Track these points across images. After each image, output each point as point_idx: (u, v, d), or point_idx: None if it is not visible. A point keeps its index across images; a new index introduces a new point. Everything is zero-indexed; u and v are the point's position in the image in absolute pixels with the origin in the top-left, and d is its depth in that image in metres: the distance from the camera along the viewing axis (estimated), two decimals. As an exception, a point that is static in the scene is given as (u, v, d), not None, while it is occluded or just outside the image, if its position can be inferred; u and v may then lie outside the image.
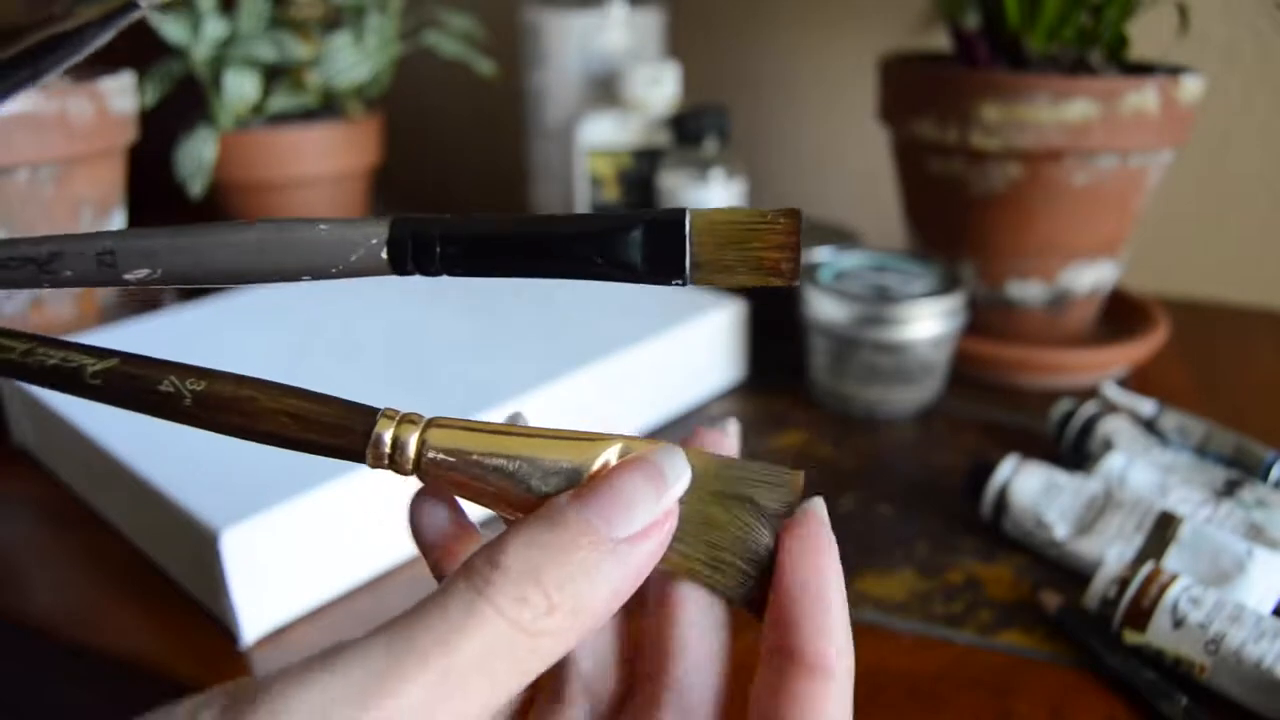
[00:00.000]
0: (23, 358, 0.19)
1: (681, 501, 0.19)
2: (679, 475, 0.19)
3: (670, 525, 0.18)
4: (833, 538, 0.20)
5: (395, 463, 0.19)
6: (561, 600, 0.16)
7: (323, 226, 0.19)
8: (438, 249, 0.19)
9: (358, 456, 0.18)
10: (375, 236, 0.19)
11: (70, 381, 0.19)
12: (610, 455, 0.19)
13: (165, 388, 0.19)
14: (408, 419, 0.19)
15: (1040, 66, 0.54)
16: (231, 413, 0.19)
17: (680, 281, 0.19)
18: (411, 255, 0.19)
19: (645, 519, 0.18)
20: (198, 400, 0.19)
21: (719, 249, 0.19)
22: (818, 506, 0.20)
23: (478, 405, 0.42)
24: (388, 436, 0.18)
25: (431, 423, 0.19)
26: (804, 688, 0.19)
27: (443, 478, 0.19)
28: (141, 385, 0.19)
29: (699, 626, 0.21)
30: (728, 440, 0.24)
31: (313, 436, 0.19)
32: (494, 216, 0.19)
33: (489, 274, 0.19)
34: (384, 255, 0.19)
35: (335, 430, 0.19)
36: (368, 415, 0.19)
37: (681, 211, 0.19)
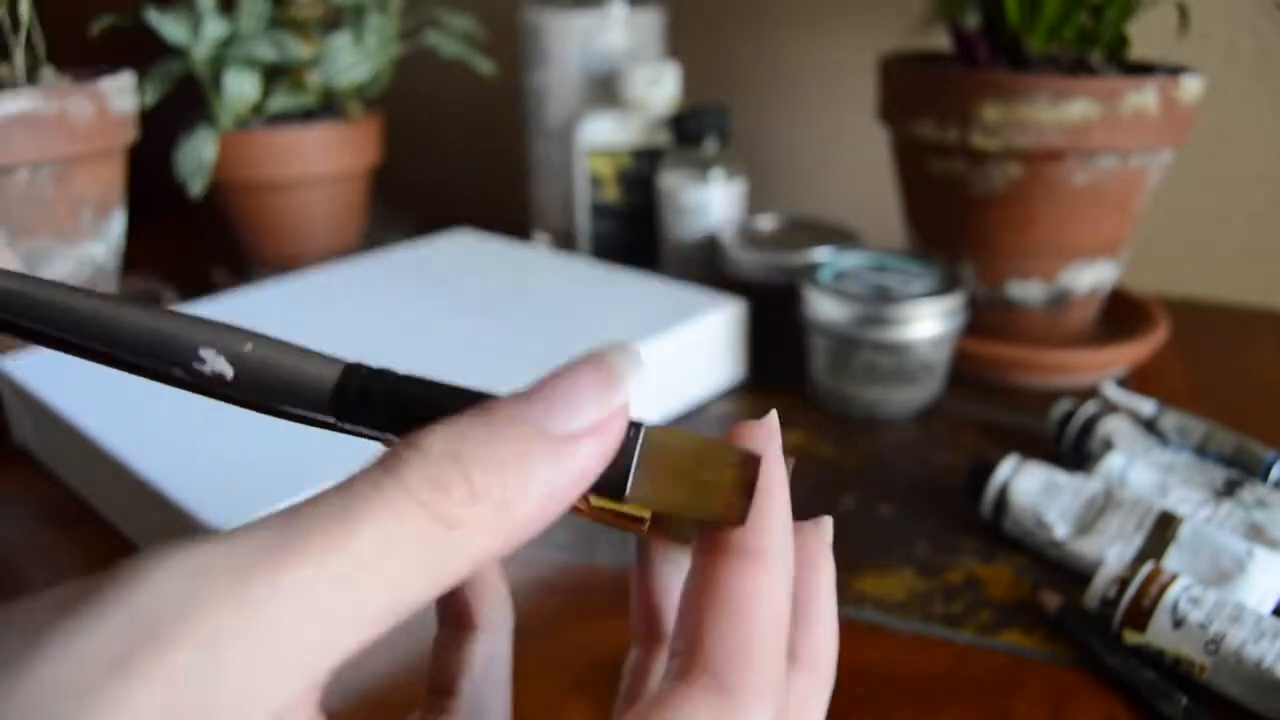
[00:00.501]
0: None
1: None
2: (630, 370, 0.17)
3: (619, 428, 0.16)
4: (780, 455, 0.18)
5: None
6: (486, 487, 0.14)
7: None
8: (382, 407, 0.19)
9: None
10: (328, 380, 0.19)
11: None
12: None
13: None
14: None
15: (1040, 66, 0.54)
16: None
17: (618, 499, 0.18)
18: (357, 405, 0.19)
19: (591, 416, 0.16)
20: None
21: (667, 475, 0.18)
22: (770, 419, 0.19)
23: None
24: None
25: None
26: (735, 569, 0.17)
27: None
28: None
29: (493, 654, 0.22)
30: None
31: None
32: (451, 388, 0.19)
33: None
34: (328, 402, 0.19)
35: None
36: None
37: (636, 427, 0.18)
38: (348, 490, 0.14)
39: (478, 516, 0.14)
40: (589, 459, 0.16)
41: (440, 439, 0.14)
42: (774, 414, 0.19)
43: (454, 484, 0.14)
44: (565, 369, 0.16)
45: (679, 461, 0.18)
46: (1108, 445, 0.44)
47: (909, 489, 0.45)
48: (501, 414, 0.15)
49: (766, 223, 0.64)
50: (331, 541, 0.13)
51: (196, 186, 0.62)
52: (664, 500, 0.18)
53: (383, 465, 0.14)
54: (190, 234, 0.83)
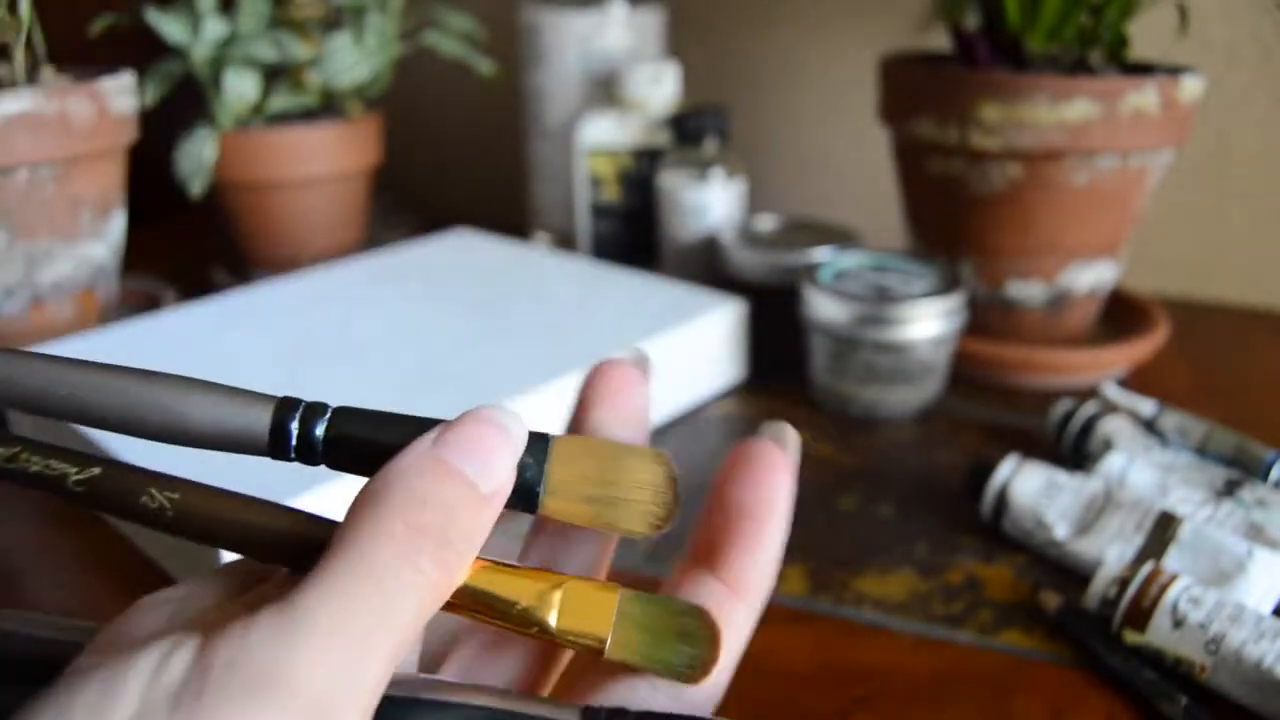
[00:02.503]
0: (6, 464, 0.20)
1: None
2: (522, 435, 0.20)
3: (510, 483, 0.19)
4: (787, 461, 0.21)
5: None
6: (458, 558, 0.17)
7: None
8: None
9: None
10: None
11: (54, 488, 0.20)
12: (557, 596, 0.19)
13: (146, 501, 0.19)
14: None
15: (1040, 66, 0.54)
16: (203, 522, 0.19)
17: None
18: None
19: (504, 475, 0.19)
20: (178, 512, 0.19)
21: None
22: (778, 429, 0.22)
23: (476, 405, 0.42)
24: None
25: None
26: (720, 605, 0.20)
27: None
28: (124, 497, 0.19)
29: None
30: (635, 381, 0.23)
31: (267, 548, 0.19)
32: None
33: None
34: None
35: (288, 539, 0.19)
36: (327, 527, 0.19)
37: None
38: (378, 584, 0.16)
39: (448, 579, 0.17)
40: (496, 511, 0.19)
41: (433, 521, 0.17)
42: (783, 429, 0.22)
43: (450, 561, 0.17)
44: (474, 425, 0.19)
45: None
46: (1108, 445, 0.44)
47: (909, 489, 0.45)
48: (454, 481, 0.18)
49: (766, 223, 0.64)
50: (387, 639, 0.16)
51: (196, 186, 0.62)
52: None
53: (398, 555, 0.17)
54: (190, 234, 0.83)
